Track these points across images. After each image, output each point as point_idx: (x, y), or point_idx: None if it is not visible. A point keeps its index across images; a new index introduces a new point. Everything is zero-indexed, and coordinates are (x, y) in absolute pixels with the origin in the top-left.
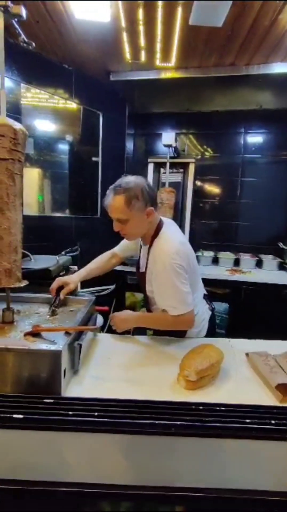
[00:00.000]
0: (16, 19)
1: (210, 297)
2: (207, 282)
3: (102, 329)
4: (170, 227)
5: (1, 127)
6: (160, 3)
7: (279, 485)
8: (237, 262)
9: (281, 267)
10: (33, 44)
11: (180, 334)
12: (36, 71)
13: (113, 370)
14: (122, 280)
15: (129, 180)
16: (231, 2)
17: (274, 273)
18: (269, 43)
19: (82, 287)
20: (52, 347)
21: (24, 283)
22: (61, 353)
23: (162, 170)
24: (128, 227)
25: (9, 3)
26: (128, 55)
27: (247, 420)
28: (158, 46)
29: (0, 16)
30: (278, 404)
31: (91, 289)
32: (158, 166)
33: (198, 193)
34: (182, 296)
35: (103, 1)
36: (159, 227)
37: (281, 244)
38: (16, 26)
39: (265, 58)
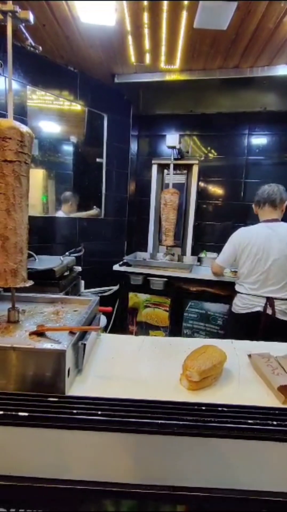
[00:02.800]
0: (23, 24)
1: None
2: (210, 283)
3: (105, 329)
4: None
5: (8, 130)
6: (165, 7)
7: (281, 486)
8: None
9: None
10: (40, 48)
11: None
12: (42, 74)
13: (117, 369)
14: (126, 281)
15: None
16: (236, 4)
17: None
18: (273, 45)
19: (85, 288)
20: (57, 347)
21: (29, 283)
22: (65, 353)
23: (166, 171)
24: None
25: (17, 8)
26: (133, 58)
27: (249, 421)
28: (163, 49)
29: (8, 21)
30: (280, 405)
31: (94, 289)
32: (162, 167)
33: (202, 194)
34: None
35: (108, 5)
36: None
37: None
38: (24, 30)
39: (269, 60)
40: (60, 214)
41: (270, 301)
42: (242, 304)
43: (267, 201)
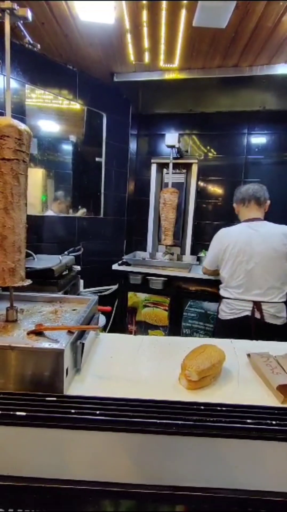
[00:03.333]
0: (21, 21)
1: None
2: (210, 282)
3: (104, 328)
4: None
5: (7, 128)
6: (164, 5)
7: (281, 485)
8: None
9: None
10: (38, 46)
11: None
12: (41, 72)
13: (115, 369)
14: (125, 280)
15: None
16: (234, 3)
17: None
18: (272, 44)
19: (85, 287)
20: (55, 346)
21: (27, 282)
22: (63, 352)
23: (165, 170)
24: None
25: (15, 5)
26: (132, 57)
27: (248, 420)
28: (162, 47)
29: (6, 18)
30: (279, 405)
31: (93, 288)
32: (161, 166)
33: (201, 193)
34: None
35: (107, 3)
36: None
37: None
38: (22, 28)
39: (268, 59)
40: (50, 213)
41: (257, 305)
42: (228, 310)
43: (253, 198)
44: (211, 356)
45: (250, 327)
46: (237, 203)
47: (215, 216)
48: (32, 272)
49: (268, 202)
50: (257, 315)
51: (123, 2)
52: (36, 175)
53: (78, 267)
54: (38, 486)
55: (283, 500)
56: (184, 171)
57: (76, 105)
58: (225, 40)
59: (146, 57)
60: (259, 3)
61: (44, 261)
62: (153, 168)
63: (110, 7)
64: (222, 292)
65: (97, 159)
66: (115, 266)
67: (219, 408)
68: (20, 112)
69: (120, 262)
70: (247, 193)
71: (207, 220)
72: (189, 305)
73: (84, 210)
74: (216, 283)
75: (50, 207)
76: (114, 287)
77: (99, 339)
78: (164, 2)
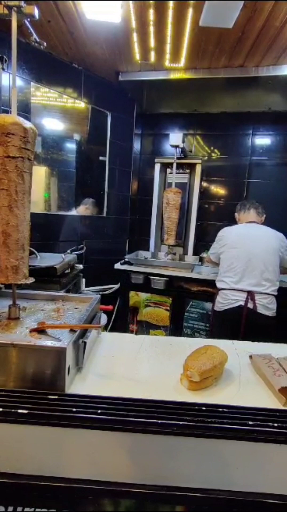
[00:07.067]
0: (28, 19)
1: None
2: (211, 283)
3: (105, 328)
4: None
5: (12, 126)
6: (171, 5)
7: (281, 488)
8: None
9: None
10: (45, 43)
11: None
12: (46, 70)
13: (117, 368)
14: (127, 280)
15: None
16: (242, 3)
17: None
18: (279, 45)
19: (87, 286)
20: (57, 344)
21: (30, 280)
22: (66, 350)
23: (168, 170)
24: None
25: (22, 3)
26: (137, 56)
27: (250, 422)
28: (168, 47)
29: (13, 16)
30: (281, 407)
31: (95, 288)
32: (165, 166)
33: (205, 194)
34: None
35: (114, 2)
36: None
37: None
38: (28, 25)
39: (275, 60)
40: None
41: (251, 295)
42: (224, 300)
43: (253, 207)
44: (213, 357)
45: (242, 316)
46: (239, 211)
47: (218, 216)
48: (35, 270)
49: (264, 216)
50: (250, 305)
51: (130, 1)
52: (39, 173)
53: (81, 266)
54: (39, 484)
55: (283, 503)
56: (188, 171)
57: (81, 104)
58: (232, 40)
59: (152, 57)
60: (266, 3)
61: (47, 259)
62: (157, 167)
63: (116, 6)
64: (218, 284)
65: (100, 158)
66: (117, 265)
67: (220, 410)
68: (25, 110)
69: (122, 261)
70: (248, 203)
71: (210, 221)
72: (190, 305)
73: (86, 206)
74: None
75: (76, 208)
76: (116, 286)
77: (101, 338)
78: (171, 1)
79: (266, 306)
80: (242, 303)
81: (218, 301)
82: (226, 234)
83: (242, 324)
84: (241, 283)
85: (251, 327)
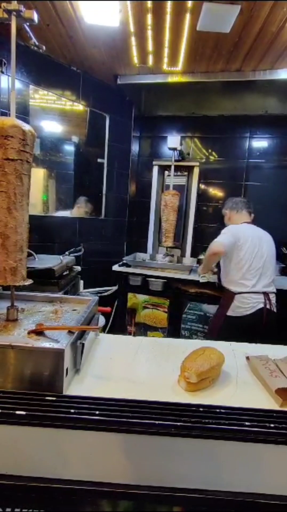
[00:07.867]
0: (27, 23)
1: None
2: (209, 285)
3: (104, 329)
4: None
5: (11, 128)
6: (168, 9)
7: (278, 489)
8: None
9: (284, 272)
10: (44, 47)
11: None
12: (45, 73)
13: (114, 370)
14: (125, 281)
15: None
16: (239, 8)
17: (277, 279)
18: (276, 49)
19: (85, 288)
20: (55, 346)
21: (28, 281)
22: (64, 352)
23: (166, 172)
24: None
25: (21, 7)
26: (135, 59)
27: (247, 423)
28: (166, 50)
29: (13, 20)
30: (277, 408)
31: (93, 289)
32: (163, 169)
33: (202, 196)
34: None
35: (113, 6)
36: None
37: (284, 250)
38: (28, 29)
39: (272, 64)
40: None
41: (267, 296)
42: (244, 305)
43: (245, 207)
44: (210, 358)
45: (262, 319)
46: (230, 210)
47: (215, 219)
48: (33, 272)
49: (253, 215)
50: (268, 306)
51: (128, 4)
52: (37, 175)
53: (79, 268)
54: (37, 485)
55: (281, 503)
56: (186, 173)
57: (79, 106)
58: (229, 44)
59: (150, 60)
60: (263, 8)
61: (45, 261)
62: (155, 170)
63: (115, 10)
64: (234, 288)
65: (99, 160)
66: (115, 267)
67: (217, 410)
68: (23, 112)
69: (120, 263)
70: (240, 201)
71: (208, 223)
72: (188, 307)
73: (79, 205)
74: (215, 286)
75: (71, 209)
76: (114, 288)
77: (99, 340)
78: (169, 4)
79: (274, 303)
80: (262, 305)
81: (235, 306)
82: (240, 232)
83: (263, 326)
84: (258, 285)
85: (269, 328)
